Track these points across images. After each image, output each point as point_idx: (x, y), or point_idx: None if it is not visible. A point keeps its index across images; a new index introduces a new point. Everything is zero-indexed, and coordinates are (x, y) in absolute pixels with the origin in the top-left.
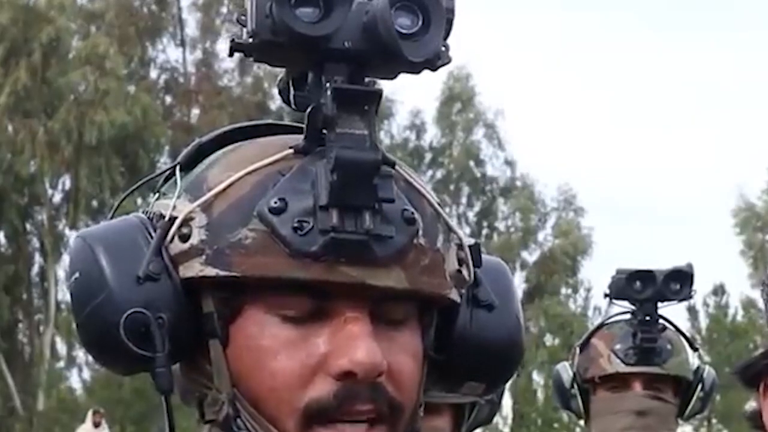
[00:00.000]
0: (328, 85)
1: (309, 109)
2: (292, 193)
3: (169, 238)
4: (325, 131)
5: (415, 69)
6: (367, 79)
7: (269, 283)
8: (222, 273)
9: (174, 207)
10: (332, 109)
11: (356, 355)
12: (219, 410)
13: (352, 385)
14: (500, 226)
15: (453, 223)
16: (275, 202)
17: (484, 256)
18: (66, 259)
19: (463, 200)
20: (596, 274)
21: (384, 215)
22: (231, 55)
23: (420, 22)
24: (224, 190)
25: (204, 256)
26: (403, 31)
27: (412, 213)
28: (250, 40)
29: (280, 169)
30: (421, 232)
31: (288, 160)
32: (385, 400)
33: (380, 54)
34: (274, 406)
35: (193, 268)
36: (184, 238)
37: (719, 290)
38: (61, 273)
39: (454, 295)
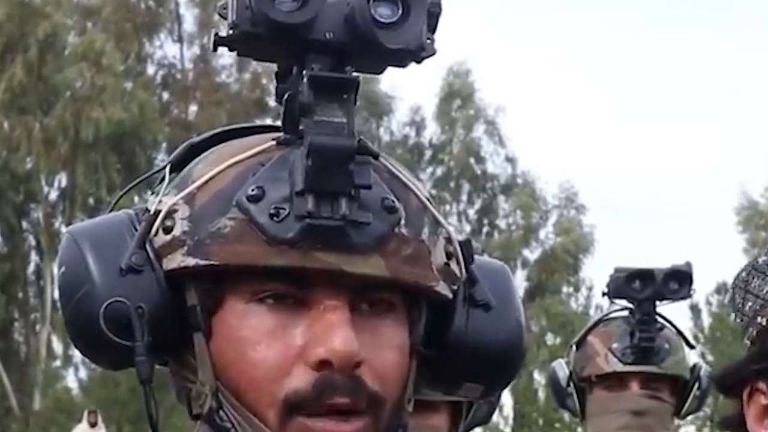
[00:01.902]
0: (304, 72)
1: (285, 97)
2: (271, 181)
3: (153, 231)
4: (302, 119)
5: (399, 60)
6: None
7: (247, 271)
8: (201, 262)
9: (160, 201)
10: (308, 97)
11: (332, 343)
12: (203, 403)
13: (330, 375)
14: (501, 223)
15: (441, 216)
16: (253, 190)
17: (486, 259)
18: None
19: (464, 198)
20: (598, 272)
21: (361, 202)
22: (215, 49)
23: (400, 12)
24: (207, 182)
25: (186, 247)
26: (382, 20)
27: (393, 201)
28: (231, 32)
29: (261, 160)
30: (403, 222)
31: (269, 152)
32: (364, 393)
33: (359, 44)
34: (254, 397)
35: (175, 260)
36: (168, 230)
37: (722, 289)
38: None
39: (442, 288)
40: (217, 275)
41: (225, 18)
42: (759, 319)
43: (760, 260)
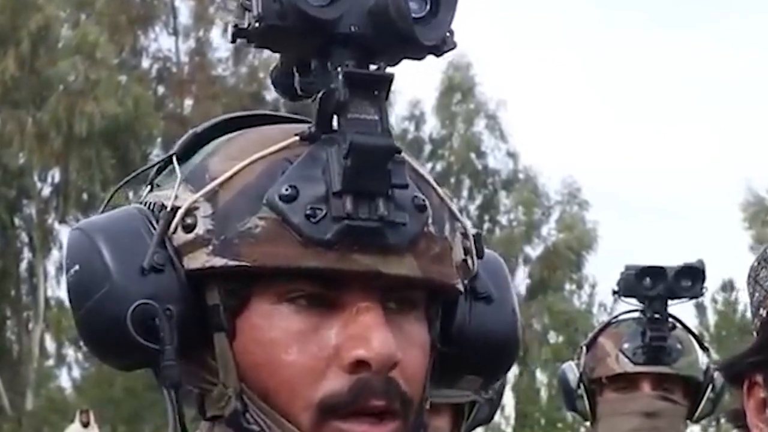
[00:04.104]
0: (339, 69)
1: (320, 95)
2: (303, 180)
3: (172, 228)
4: (335, 117)
5: (420, 55)
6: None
7: (280, 273)
8: (231, 263)
9: (176, 197)
10: (345, 95)
11: (371, 345)
12: (225, 405)
13: (366, 378)
14: (502, 220)
15: (458, 212)
16: (286, 190)
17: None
18: (56, 254)
19: (464, 193)
20: (601, 269)
21: (396, 202)
22: (233, 41)
23: (427, 6)
24: (230, 178)
25: (210, 246)
26: (413, 15)
27: (423, 200)
28: (257, 24)
29: (286, 157)
30: (430, 220)
31: (294, 148)
32: (398, 394)
33: (390, 38)
34: (286, 400)
35: (199, 259)
36: (189, 229)
37: (728, 286)
38: (51, 268)
39: (460, 285)
40: (245, 275)
41: (248, 9)
42: (761, 310)
43: None
